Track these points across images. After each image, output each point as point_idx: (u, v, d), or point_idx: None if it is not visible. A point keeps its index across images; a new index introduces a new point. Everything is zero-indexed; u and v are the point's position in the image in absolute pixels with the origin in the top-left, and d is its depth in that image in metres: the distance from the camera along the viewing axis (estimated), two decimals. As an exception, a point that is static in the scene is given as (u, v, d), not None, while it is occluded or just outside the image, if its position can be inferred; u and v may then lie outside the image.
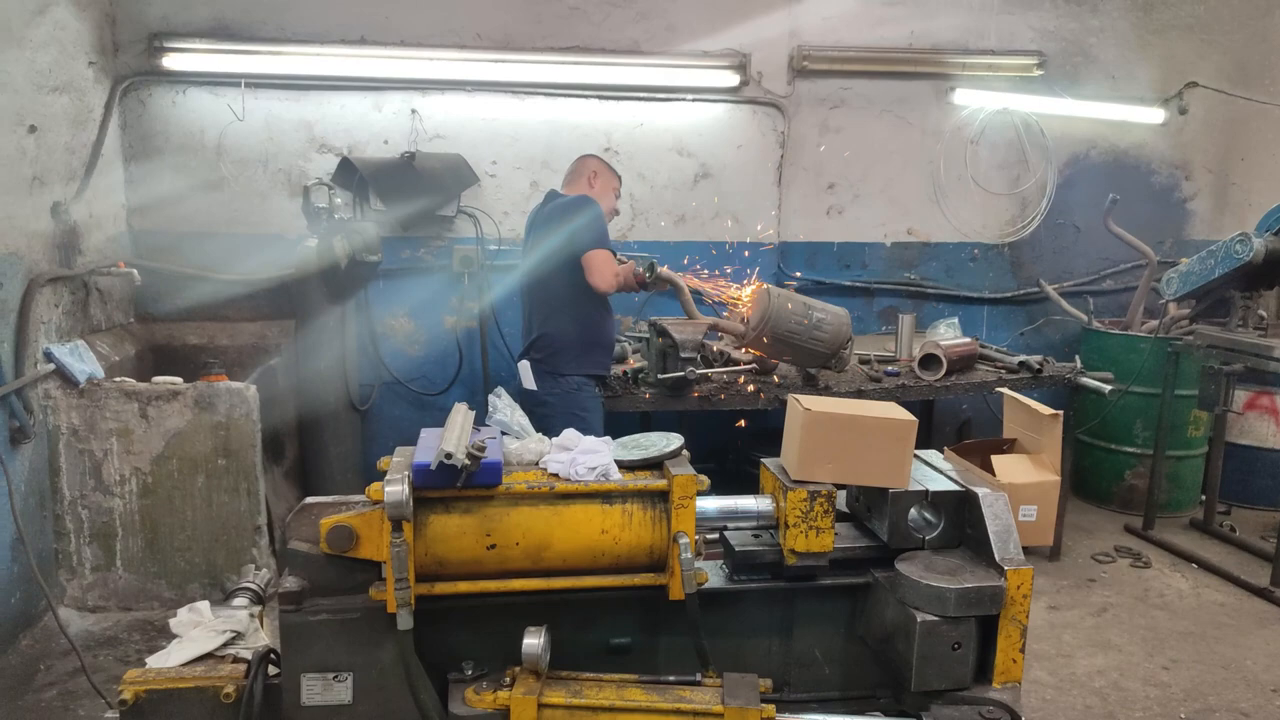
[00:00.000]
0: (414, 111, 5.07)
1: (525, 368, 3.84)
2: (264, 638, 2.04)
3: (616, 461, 1.89)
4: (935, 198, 5.72)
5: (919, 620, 1.77)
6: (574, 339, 3.80)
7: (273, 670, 1.90)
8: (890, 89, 5.55)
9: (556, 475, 1.86)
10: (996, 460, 2.00)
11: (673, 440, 1.95)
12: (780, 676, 1.95)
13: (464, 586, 1.82)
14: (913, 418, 1.91)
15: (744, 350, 4.47)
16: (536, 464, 1.92)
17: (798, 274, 5.60)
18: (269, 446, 4.56)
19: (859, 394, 4.41)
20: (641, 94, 5.24)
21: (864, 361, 4.83)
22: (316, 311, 4.85)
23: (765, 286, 4.08)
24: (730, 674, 1.84)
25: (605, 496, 1.85)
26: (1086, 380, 4.54)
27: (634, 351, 4.71)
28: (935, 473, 2.03)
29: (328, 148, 5.04)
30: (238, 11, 4.80)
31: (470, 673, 1.88)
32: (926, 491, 1.93)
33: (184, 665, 1.90)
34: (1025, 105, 5.61)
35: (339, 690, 1.85)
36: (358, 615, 1.83)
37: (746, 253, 5.46)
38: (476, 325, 5.28)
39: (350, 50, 4.90)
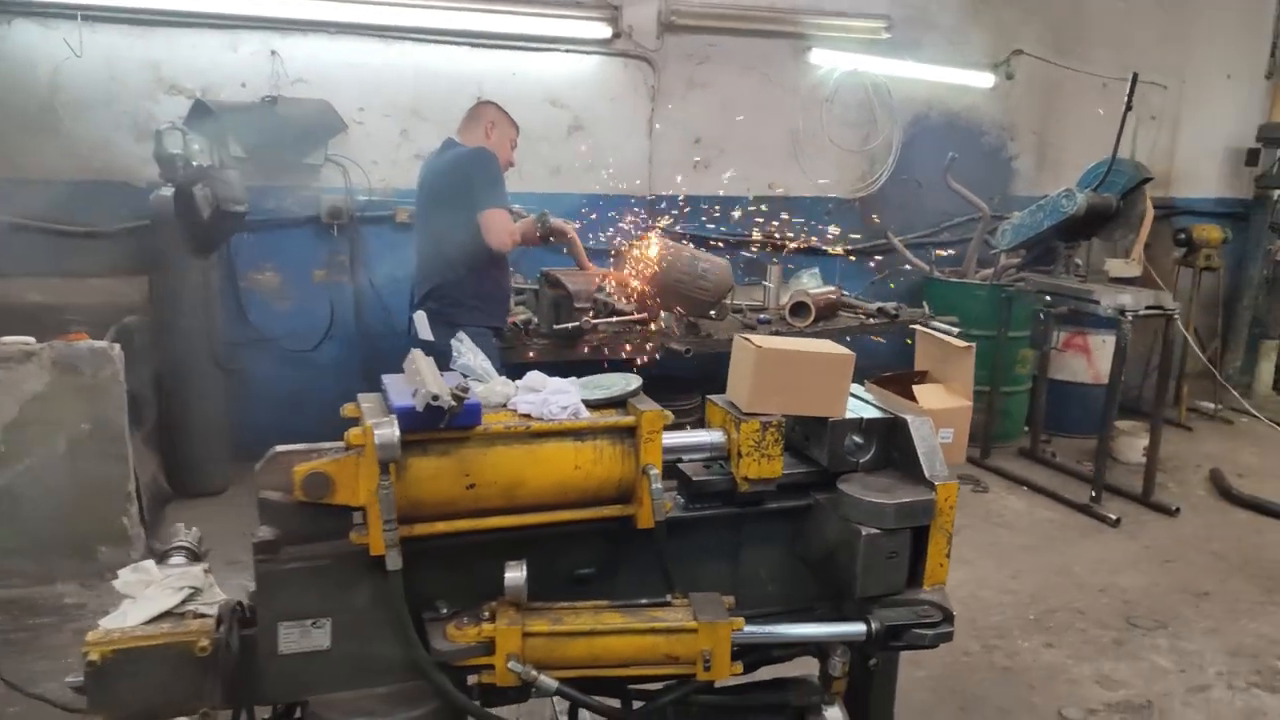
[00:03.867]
0: (274, 53, 4.83)
1: (421, 318, 3.81)
2: (219, 593, 2.00)
3: (584, 400, 1.98)
4: (794, 153, 6.02)
5: (863, 534, 1.97)
6: (471, 291, 3.81)
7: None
8: (752, 46, 5.77)
9: (528, 415, 1.93)
10: (918, 389, 2.22)
11: (632, 380, 2.05)
12: (728, 594, 2.11)
13: (442, 527, 1.86)
14: (850, 352, 2.10)
15: (628, 301, 4.61)
16: (504, 405, 1.98)
17: (664, 226, 5.75)
18: (129, 409, 4.31)
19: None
20: (514, 43, 5.21)
21: (735, 310, 5.08)
22: (175, 265, 4.60)
23: (660, 237, 4.21)
24: (695, 594, 1.98)
25: (576, 434, 1.93)
26: (935, 324, 4.97)
27: (519, 302, 4.73)
28: (862, 403, 2.23)
29: (178, 89, 4.73)
30: (73, -65, 4.40)
31: (445, 611, 1.93)
32: (861, 419, 2.14)
33: (144, 624, 1.85)
34: (874, 67, 5.98)
35: (317, 636, 1.86)
36: (334, 561, 1.84)
37: (624, 206, 5.57)
38: (348, 279, 5.14)
39: (203, -17, 4.60)
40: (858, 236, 6.29)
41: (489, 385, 1.99)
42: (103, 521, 3.96)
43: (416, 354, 2.03)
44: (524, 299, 4.73)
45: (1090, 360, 6.08)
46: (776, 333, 4.70)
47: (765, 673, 2.27)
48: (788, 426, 2.13)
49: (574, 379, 2.05)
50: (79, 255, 4.65)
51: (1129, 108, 4.89)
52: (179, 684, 1.79)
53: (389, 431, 1.70)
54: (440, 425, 1.78)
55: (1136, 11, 6.61)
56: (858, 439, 2.16)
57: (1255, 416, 6.49)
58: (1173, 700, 3.38)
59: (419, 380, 1.82)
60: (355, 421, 1.91)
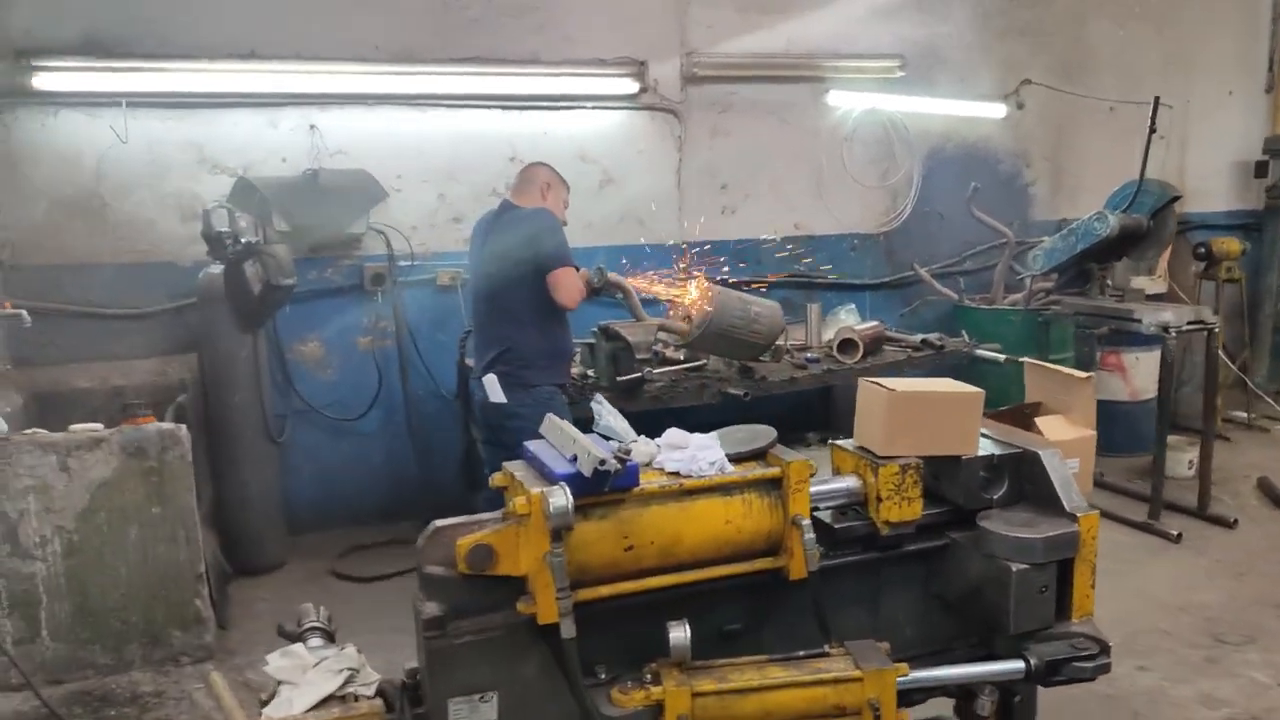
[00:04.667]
0: (313, 127, 4.89)
1: (492, 381, 3.81)
2: (372, 673, 1.99)
3: (726, 454, 1.99)
4: (818, 193, 6.10)
5: (1014, 570, 1.98)
6: (541, 350, 3.82)
7: (401, 701, 1.87)
8: (772, 92, 5.88)
9: (677, 473, 1.94)
10: (1041, 421, 2.25)
11: (767, 431, 2.07)
12: (867, 639, 2.11)
13: (605, 590, 1.86)
14: (980, 390, 2.12)
15: (676, 349, 4.63)
16: (649, 465, 1.99)
17: (706, 273, 5.80)
18: (192, 490, 4.29)
19: (792, 381, 4.68)
20: (543, 103, 5.30)
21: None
22: (224, 342, 4.61)
23: (710, 284, 4.25)
24: (851, 642, 1.98)
25: (725, 489, 1.95)
26: (983, 351, 5.03)
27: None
28: (987, 439, 2.26)
29: (220, 168, 4.78)
30: (114, 24, 4.46)
31: (604, 676, 1.93)
32: (993, 455, 2.16)
33: (310, 711, 1.84)
34: (890, 104, 6.09)
35: (485, 711, 1.85)
36: (501, 632, 1.84)
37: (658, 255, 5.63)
38: (393, 344, 5.16)
39: (240, 65, 4.67)
40: (883, 271, 6.37)
41: (635, 446, 2.00)
42: (175, 605, 3.91)
43: (552, 418, 2.04)
44: (575, 353, 4.73)
45: (1126, 378, 6.12)
46: (828, 372, 4.73)
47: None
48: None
49: (713, 434, 2.06)
50: (126, 337, 4.66)
51: (1153, 129, 5.01)
52: (356, 769, 1.77)
53: (562, 499, 1.70)
54: (605, 489, 1.79)
55: (1137, 37, 6.78)
56: (986, 475, 2.18)
57: (1290, 423, 6.54)
58: (1278, 715, 3.36)
59: (575, 445, 1.84)
60: (500, 491, 1.91)
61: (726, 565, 1.97)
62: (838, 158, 6.11)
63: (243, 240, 4.45)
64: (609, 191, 5.53)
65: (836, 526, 2.10)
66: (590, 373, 4.51)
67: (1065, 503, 2.07)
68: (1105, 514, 5.15)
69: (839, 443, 2.23)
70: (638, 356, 4.11)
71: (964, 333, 5.46)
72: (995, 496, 2.17)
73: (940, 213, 6.43)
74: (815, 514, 2.17)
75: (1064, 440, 2.13)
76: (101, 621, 3.78)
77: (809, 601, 1.99)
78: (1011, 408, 2.35)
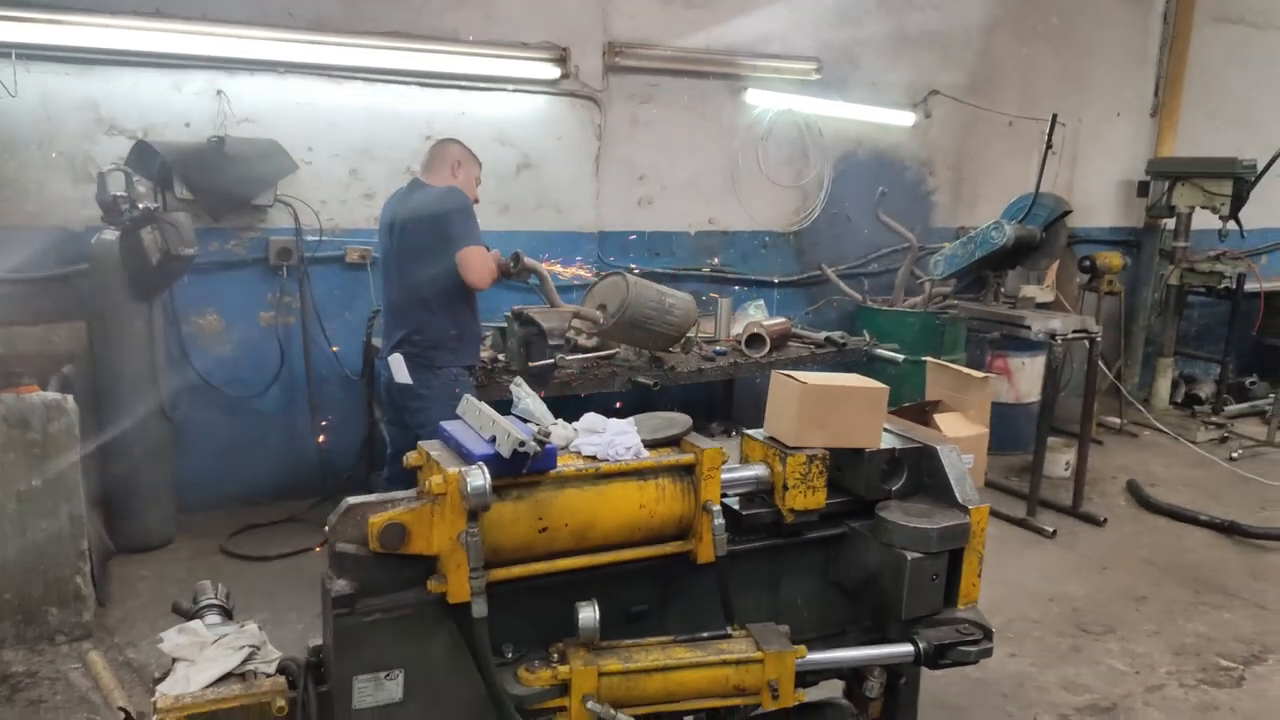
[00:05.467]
0: (220, 93, 4.71)
1: (399, 361, 3.77)
2: (274, 650, 1.96)
3: (642, 440, 2.03)
4: (733, 189, 6.20)
5: (909, 558, 2.09)
6: (449, 332, 3.79)
7: (305, 680, 1.84)
8: (692, 87, 5.94)
9: (594, 457, 1.97)
10: (940, 418, 2.36)
11: (683, 420, 2.12)
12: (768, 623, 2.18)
13: (518, 570, 1.88)
14: (885, 386, 2.22)
15: (589, 337, 4.66)
16: (566, 448, 2.01)
17: (612, 259, 5.84)
18: (76, 463, 4.10)
19: (699, 372, 4.76)
20: (462, 83, 5.23)
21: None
22: (117, 311, 4.41)
23: (623, 274, 4.29)
24: (753, 624, 2.05)
25: (640, 474, 1.99)
26: (882, 350, 5.22)
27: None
28: (889, 434, 2.36)
29: (119, 130, 4.56)
30: (6, -29, 4.21)
31: (511, 655, 1.94)
32: (895, 449, 2.26)
33: (209, 687, 1.80)
34: (806, 106, 6.23)
35: (390, 688, 1.84)
36: (410, 611, 1.84)
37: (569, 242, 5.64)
38: (297, 321, 5.03)
39: (143, 22, 4.44)
40: (792, 269, 6.52)
41: (555, 429, 2.02)
42: (53, 582, 3.75)
43: (470, 399, 2.04)
44: (486, 337, 4.71)
45: (1012, 382, 6.43)
46: (735, 365, 4.83)
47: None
48: (820, 458, 2.23)
49: (630, 419, 2.10)
50: (8, 303, 4.40)
51: (1049, 146, 5.27)
52: (257, 747, 1.75)
53: (480, 479, 1.71)
54: (522, 471, 1.81)
55: (1037, 56, 7.11)
56: (890, 468, 2.28)
57: (1158, 429, 7.00)
58: (1134, 701, 3.61)
59: (494, 426, 1.84)
60: (403, 471, 1.92)
61: (638, 548, 2.01)
62: (753, 156, 6.22)
63: (140, 206, 4.28)
64: (526, 176, 5.50)
65: (744, 513, 2.17)
66: (501, 357, 4.49)
67: (959, 495, 2.18)
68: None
69: (750, 432, 2.30)
70: (550, 342, 4.11)
71: (865, 332, 5.65)
72: (894, 488, 2.27)
73: (849, 215, 6.62)
74: (724, 500, 2.23)
75: (961, 437, 2.24)
76: (-27, 598, 3.60)
77: (716, 585, 2.05)
78: (913, 405, 2.46)
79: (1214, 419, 7.07)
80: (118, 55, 4.48)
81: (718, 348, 5.09)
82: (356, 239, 5.09)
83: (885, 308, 6.34)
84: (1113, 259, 6.90)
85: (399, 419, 3.91)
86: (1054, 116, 5.26)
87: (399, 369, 3.76)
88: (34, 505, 3.66)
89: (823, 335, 5.32)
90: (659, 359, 4.68)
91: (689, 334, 4.61)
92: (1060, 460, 6.01)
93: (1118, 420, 7.29)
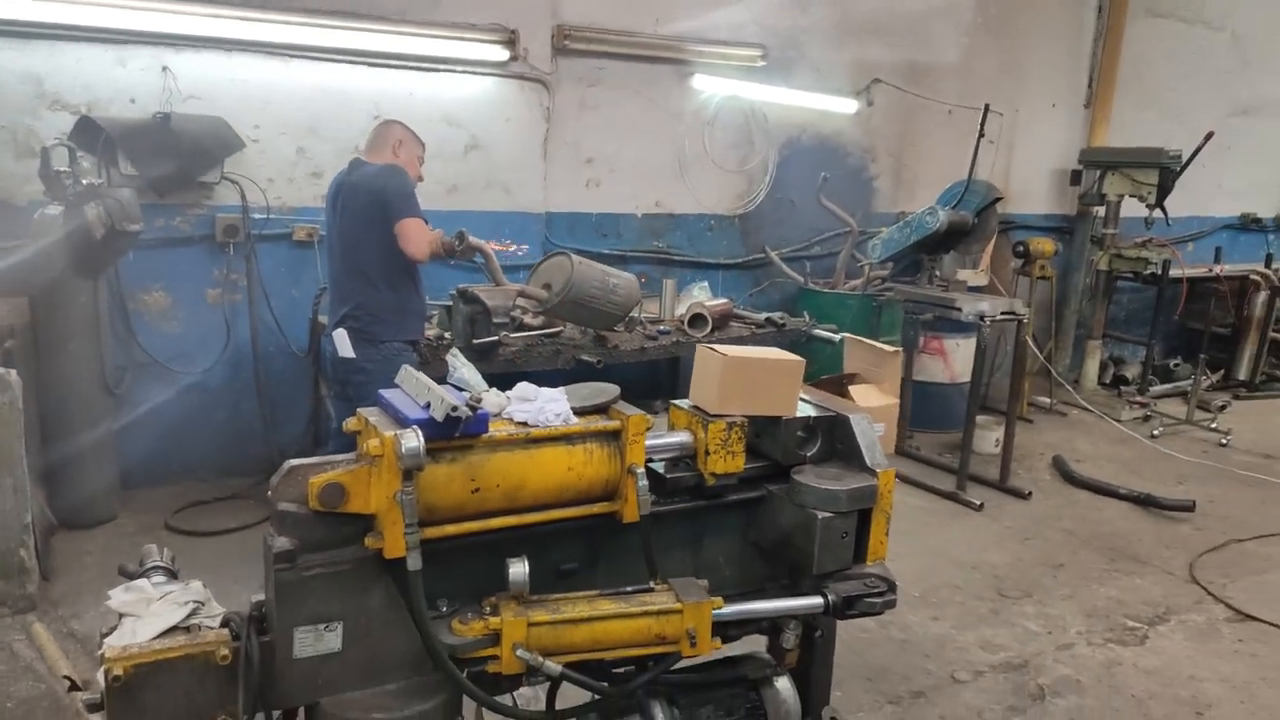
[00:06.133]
0: (165, 69, 4.73)
1: (342, 336, 3.86)
2: (217, 606, 2.06)
3: (572, 408, 2.16)
4: (679, 173, 6.34)
5: (819, 517, 2.24)
6: (391, 307, 3.89)
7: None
8: (640, 71, 6.05)
9: (525, 423, 2.09)
10: (854, 389, 2.52)
11: (611, 389, 2.24)
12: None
13: (451, 529, 1.99)
14: (801, 359, 2.37)
15: (534, 316, 4.77)
16: (499, 415, 2.13)
17: (560, 240, 5.94)
18: (19, 438, 4.11)
19: (642, 350, 4.90)
20: (412, 63, 5.29)
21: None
22: (59, 287, 4.43)
23: (567, 254, 4.40)
24: (674, 579, 2.19)
25: (569, 439, 2.11)
26: (819, 331, 5.41)
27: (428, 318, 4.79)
28: (806, 403, 2.51)
29: (62, 105, 4.57)
30: (-56, -58, 4.18)
31: (446, 609, 2.07)
32: (809, 418, 2.41)
33: (154, 639, 1.89)
34: (751, 93, 6.38)
35: (329, 639, 1.95)
36: (348, 566, 1.95)
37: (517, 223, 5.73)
38: (244, 298, 5.07)
39: (87, -4, 4.45)
40: (737, 251, 6.68)
41: (485, 396, 2.13)
42: (-1, 556, 3.78)
43: (408, 369, 2.15)
44: (433, 315, 4.81)
45: (947, 362, 6.67)
46: (676, 343, 4.97)
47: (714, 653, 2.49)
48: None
49: (561, 389, 2.22)
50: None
51: (981, 134, 5.47)
52: (201, 693, 1.85)
53: (414, 441, 1.82)
54: (455, 434, 1.92)
55: (976, 45, 7.32)
56: (803, 434, 2.43)
57: (1085, 409, 7.31)
58: (1045, 659, 3.85)
59: (430, 393, 1.96)
60: (347, 441, 2.01)
61: (567, 509, 2.13)
62: (699, 140, 6.35)
63: (84, 181, 4.29)
64: (474, 157, 5.58)
65: (668, 476, 2.30)
66: (447, 334, 4.59)
67: (868, 460, 2.33)
68: (917, 484, 5.68)
69: (676, 402, 2.43)
70: (495, 320, 4.21)
71: (805, 314, 5.83)
72: (809, 454, 2.42)
73: (793, 199, 6.80)
74: (650, 465, 2.36)
75: (873, 407, 2.40)
76: (-85, 571, 3.62)
77: (641, 543, 2.19)
78: (831, 377, 2.62)
79: (1138, 399, 7.39)
80: (62, 30, 4.48)
81: (661, 327, 5.23)
82: (304, 217, 5.14)
83: (826, 290, 6.53)
84: (1045, 244, 7.16)
85: (344, 393, 4.00)
86: (986, 106, 5.46)
87: (343, 343, 3.85)
88: (-24, 478, 3.69)
89: (763, 316, 5.49)
90: (603, 338, 4.81)
91: (633, 314, 4.73)
92: (990, 438, 6.25)
93: (1048, 400, 7.58)
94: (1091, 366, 7.92)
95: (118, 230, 4.30)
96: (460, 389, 2.13)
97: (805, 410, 2.46)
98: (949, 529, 5.14)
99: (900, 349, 2.57)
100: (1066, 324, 8.06)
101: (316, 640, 1.94)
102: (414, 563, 1.88)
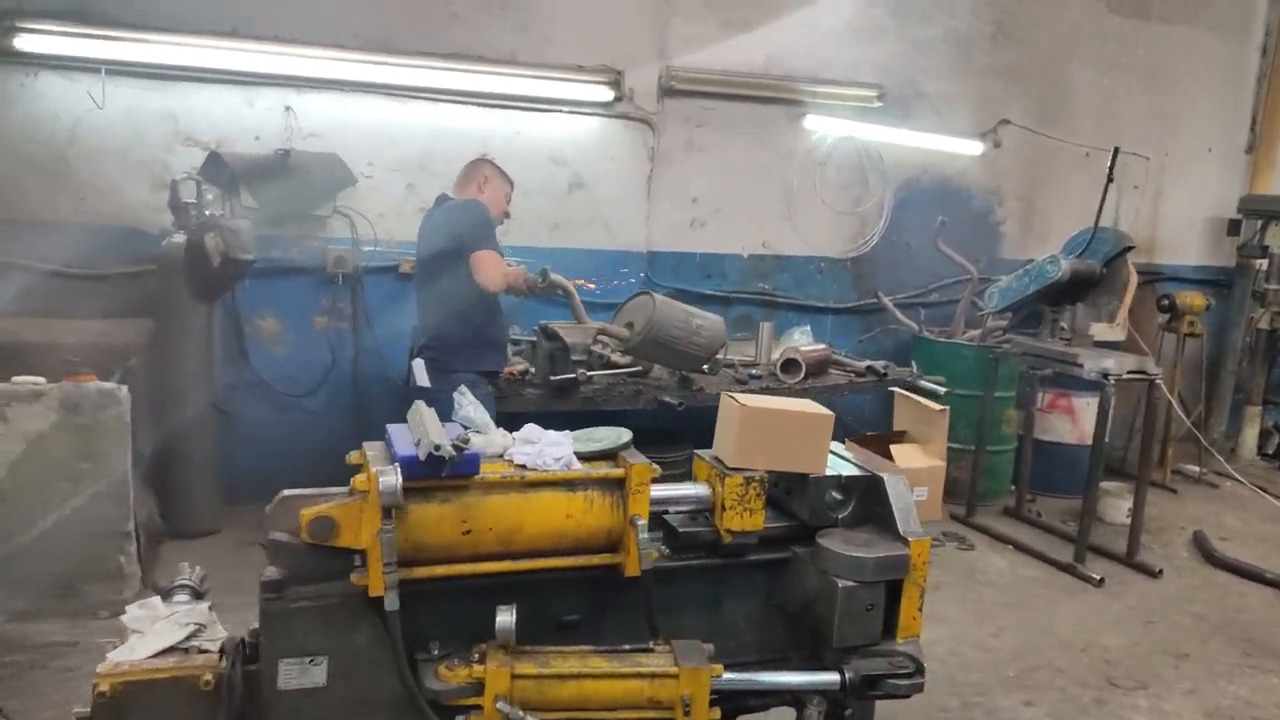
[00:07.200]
0: (288, 109, 5.02)
1: (420, 365, 3.95)
2: (221, 629, 2.09)
3: (576, 453, 2.09)
4: (788, 214, 6.19)
5: (841, 586, 2.08)
6: (466, 337, 3.96)
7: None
8: (748, 112, 5.98)
9: (524, 466, 2.05)
10: (895, 449, 2.35)
11: (623, 434, 2.17)
12: (708, 642, 2.20)
13: (440, 570, 1.96)
14: (830, 413, 2.22)
15: (622, 355, 4.73)
16: (501, 456, 2.09)
17: (663, 282, 5.91)
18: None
19: (729, 395, 4.78)
20: (519, 103, 5.41)
21: (727, 365, 5.19)
22: (180, 310, 4.73)
23: (649, 294, 4.36)
24: (677, 640, 2.08)
25: (569, 485, 2.05)
26: (923, 383, 5.12)
27: (515, 353, 4.86)
28: (843, 461, 2.35)
29: (194, 141, 4.91)
30: (98, -7, 4.60)
31: (437, 652, 2.03)
32: (840, 476, 2.26)
33: (149, 658, 1.94)
34: (866, 133, 6.19)
35: (314, 673, 1.95)
36: (336, 600, 1.94)
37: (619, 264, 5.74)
38: (348, 327, 5.28)
39: (220, 42, 4.80)
40: (847, 296, 6.46)
41: (488, 436, 2.10)
42: (97, 560, 4.03)
43: (420, 405, 2.15)
44: (521, 350, 4.85)
45: (1075, 421, 6.20)
46: (766, 389, 4.82)
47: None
48: (771, 482, 2.25)
49: (568, 432, 2.16)
50: (83, 298, 4.77)
51: (1110, 179, 5.09)
52: (183, 716, 1.88)
53: (392, 478, 1.81)
54: (441, 474, 1.90)
55: (1120, 88, 6.87)
56: (837, 495, 2.28)
57: (1239, 480, 6.62)
58: (1150, 760, 3.45)
59: (422, 430, 1.94)
60: (358, 468, 2.02)
61: (566, 558, 2.07)
62: (810, 181, 6.20)
63: (206, 212, 4.59)
64: (577, 196, 5.64)
65: (680, 530, 2.20)
66: (532, 369, 4.61)
67: (901, 527, 2.16)
68: (1031, 551, 5.29)
69: (700, 451, 2.33)
70: (573, 357, 4.20)
71: (913, 363, 5.54)
72: (841, 516, 2.26)
73: (909, 243, 6.52)
74: (665, 517, 2.27)
75: (915, 468, 2.23)
76: (18, 569, 3.88)
77: (642, 599, 2.09)
78: (878, 434, 2.44)
79: (1303, 473, 6.64)
80: (196, 72, 4.83)
81: (753, 371, 5.09)
82: (410, 251, 5.23)
83: (941, 339, 6.22)
84: (1194, 299, 6.59)
85: (422, 423, 4.08)
86: (1115, 149, 5.09)
87: (420, 373, 3.94)
88: (83, 486, 3.95)
89: (864, 364, 5.26)
90: (688, 379, 4.72)
91: (718, 355, 4.62)
92: (1122, 507, 5.74)
93: (1197, 469, 6.93)
94: (1250, 434, 7.19)
95: (232, 259, 4.57)
96: (466, 427, 2.11)
97: (840, 468, 2.30)
98: (1060, 604, 4.73)
99: (945, 408, 2.36)
100: (1222, 387, 7.36)
101: (302, 673, 1.94)
102: (391, 602, 1.86)
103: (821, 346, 5.31)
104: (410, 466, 1.86)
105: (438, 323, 3.95)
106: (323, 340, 5.25)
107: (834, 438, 2.50)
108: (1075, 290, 5.38)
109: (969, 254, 6.33)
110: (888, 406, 5.73)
